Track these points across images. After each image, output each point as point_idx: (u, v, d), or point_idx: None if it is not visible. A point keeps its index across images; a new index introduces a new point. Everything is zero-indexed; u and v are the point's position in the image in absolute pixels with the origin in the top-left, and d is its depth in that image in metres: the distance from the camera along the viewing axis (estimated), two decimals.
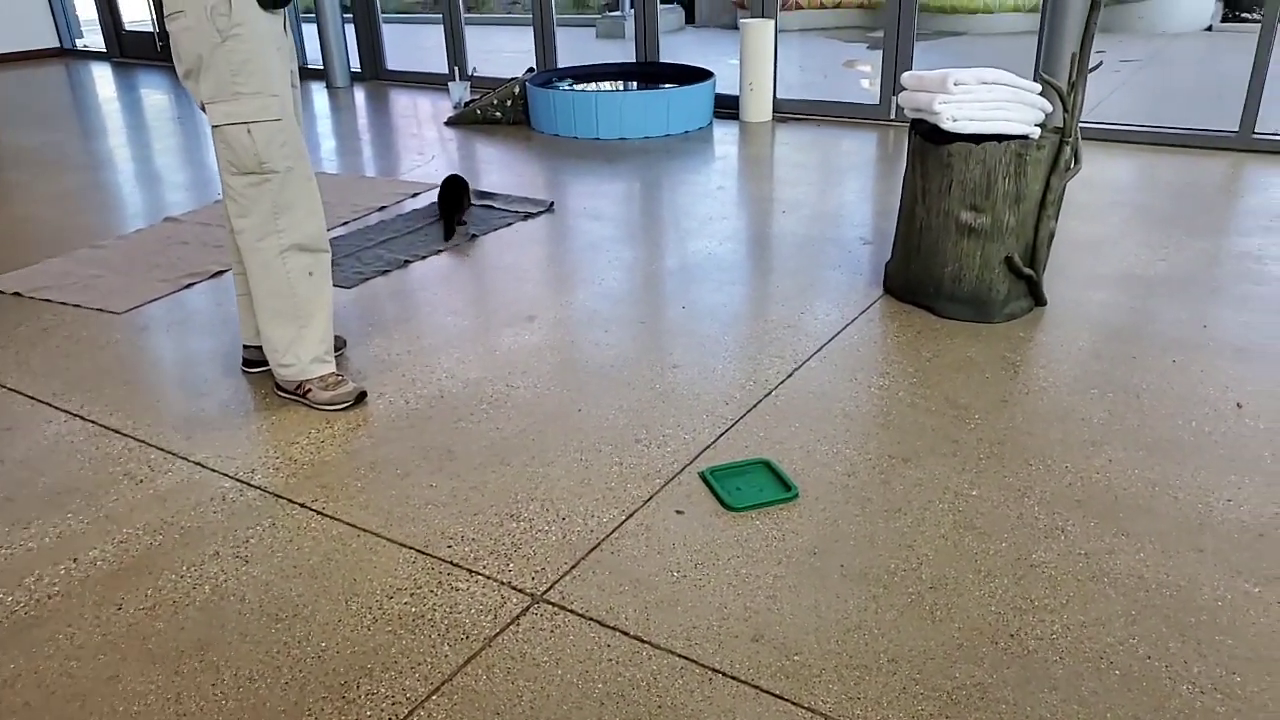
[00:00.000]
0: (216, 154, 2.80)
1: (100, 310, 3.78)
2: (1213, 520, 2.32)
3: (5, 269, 4.26)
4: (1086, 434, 2.71)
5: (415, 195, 5.20)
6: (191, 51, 2.68)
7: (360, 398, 3.02)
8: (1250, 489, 2.44)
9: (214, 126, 2.75)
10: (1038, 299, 3.53)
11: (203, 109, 2.75)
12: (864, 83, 8.44)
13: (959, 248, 3.39)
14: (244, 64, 2.67)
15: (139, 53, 10.55)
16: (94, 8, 10.72)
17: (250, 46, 2.67)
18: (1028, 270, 3.41)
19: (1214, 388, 2.94)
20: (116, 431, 2.90)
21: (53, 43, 11.16)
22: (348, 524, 2.42)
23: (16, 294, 3.97)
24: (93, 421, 2.96)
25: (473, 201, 4.98)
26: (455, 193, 4.79)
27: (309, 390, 2.98)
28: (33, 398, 3.11)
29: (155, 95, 8.61)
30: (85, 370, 3.29)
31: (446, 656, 1.98)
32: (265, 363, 3.08)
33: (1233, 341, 3.22)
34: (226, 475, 2.65)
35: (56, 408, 3.05)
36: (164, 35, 10.58)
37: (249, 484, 2.61)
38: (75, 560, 2.32)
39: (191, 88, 2.75)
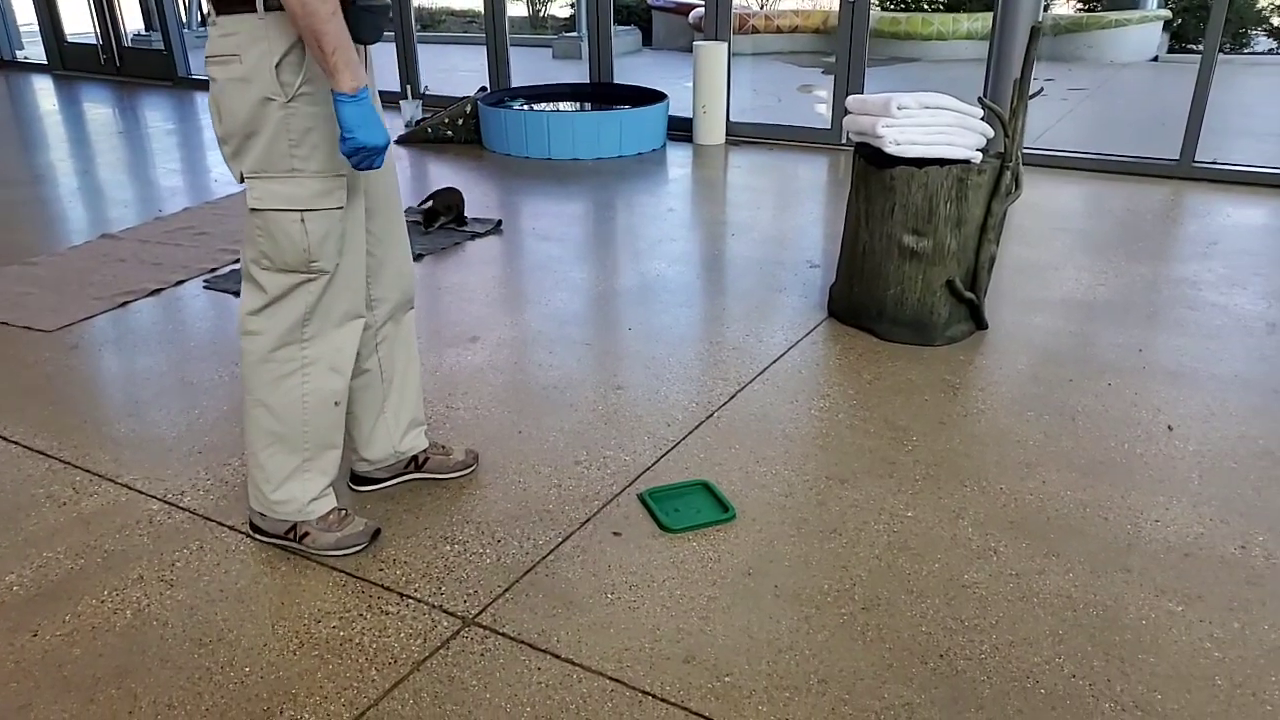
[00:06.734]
0: (247, 239, 2.15)
1: (28, 328, 3.70)
2: (1140, 541, 2.35)
3: None
4: (1022, 456, 2.73)
5: None
6: (238, 110, 2.02)
7: (375, 535, 2.40)
8: (1177, 510, 2.47)
9: (252, 209, 2.11)
10: (979, 323, 3.56)
11: (240, 180, 2.11)
12: (820, 107, 8.52)
13: (901, 271, 3.42)
14: (308, 132, 2.04)
15: (82, 65, 10.35)
16: (34, 17, 10.51)
17: (319, 110, 2.03)
18: (969, 294, 3.44)
19: (1147, 410, 2.98)
20: (40, 453, 2.83)
21: None
22: (277, 546, 2.37)
23: None
24: (15, 442, 2.89)
25: (455, 215, 5.04)
26: (447, 200, 4.97)
27: (306, 534, 2.34)
28: None
29: (98, 109, 8.48)
30: (9, 390, 3.21)
31: (374, 681, 1.94)
32: (378, 480, 2.62)
33: (1166, 365, 3.27)
34: (154, 497, 2.60)
35: None
36: (107, 48, 10.21)
37: (177, 506, 2.55)
38: None
39: (228, 155, 2.09)
